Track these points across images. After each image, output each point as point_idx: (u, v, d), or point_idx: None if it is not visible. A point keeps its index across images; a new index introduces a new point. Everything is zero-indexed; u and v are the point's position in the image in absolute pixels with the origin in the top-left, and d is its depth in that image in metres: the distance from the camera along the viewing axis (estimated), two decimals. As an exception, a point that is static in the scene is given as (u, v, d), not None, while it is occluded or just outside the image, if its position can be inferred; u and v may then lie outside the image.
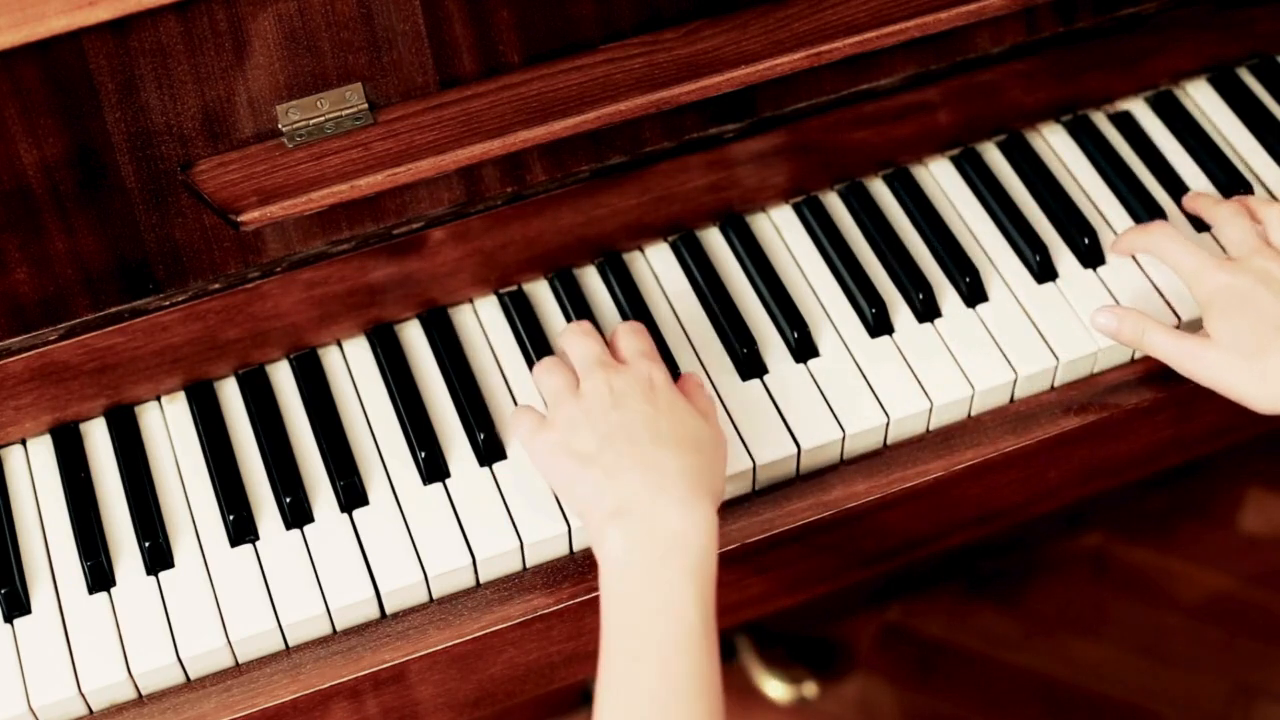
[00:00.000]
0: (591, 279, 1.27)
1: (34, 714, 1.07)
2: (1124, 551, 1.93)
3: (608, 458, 1.04)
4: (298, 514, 1.14)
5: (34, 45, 1.03)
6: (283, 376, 1.21)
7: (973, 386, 1.19)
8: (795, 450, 1.16)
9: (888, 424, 1.18)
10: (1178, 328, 1.21)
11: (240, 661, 1.11)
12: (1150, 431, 1.26)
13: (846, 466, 1.19)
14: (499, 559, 1.12)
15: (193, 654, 1.08)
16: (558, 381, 1.10)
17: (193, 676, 1.10)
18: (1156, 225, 1.22)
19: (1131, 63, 1.34)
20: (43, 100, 1.05)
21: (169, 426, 1.19)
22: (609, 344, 1.14)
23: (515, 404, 1.19)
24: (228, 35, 1.08)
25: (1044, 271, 1.25)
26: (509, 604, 1.13)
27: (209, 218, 1.13)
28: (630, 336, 1.13)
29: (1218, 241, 1.25)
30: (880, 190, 1.32)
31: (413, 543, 1.12)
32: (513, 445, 1.17)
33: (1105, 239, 1.28)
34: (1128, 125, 1.36)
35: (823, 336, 1.23)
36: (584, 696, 1.76)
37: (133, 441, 1.17)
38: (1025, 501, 1.26)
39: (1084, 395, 1.22)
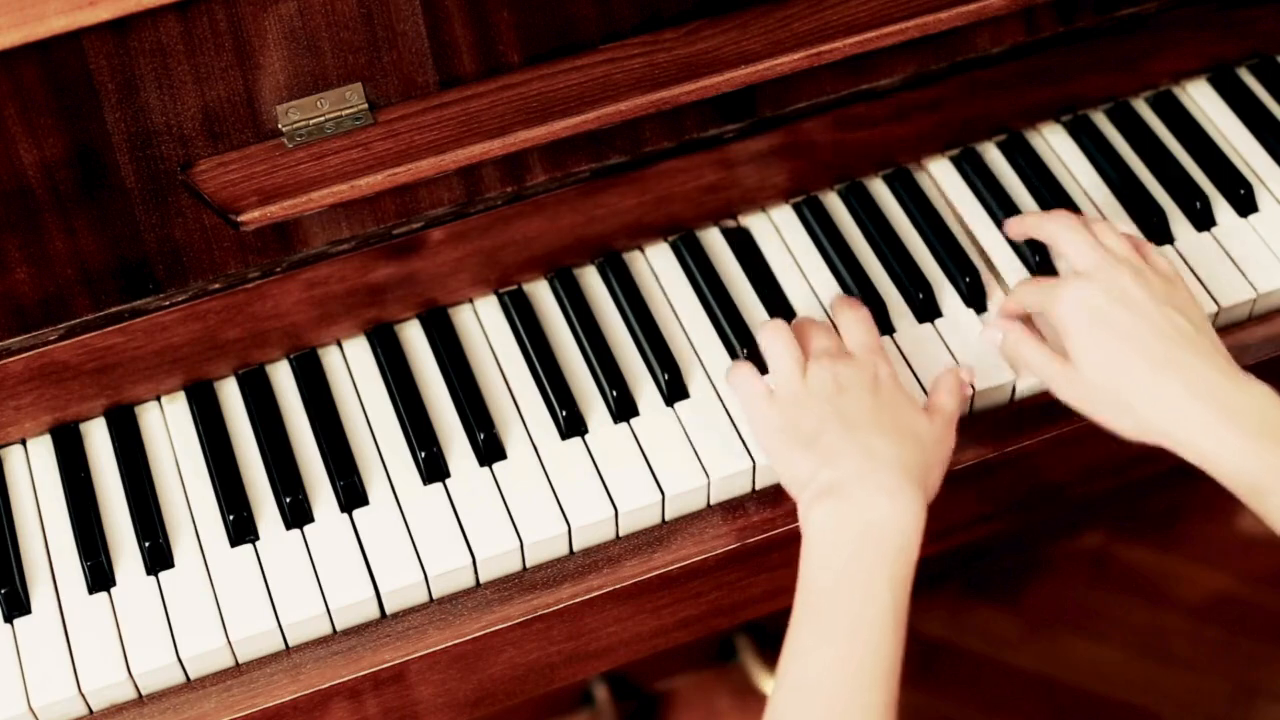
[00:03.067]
0: (591, 279, 1.27)
1: (34, 714, 1.07)
2: (1124, 551, 1.92)
3: (825, 440, 1.06)
4: (298, 514, 1.14)
5: (34, 45, 1.03)
6: (283, 376, 1.21)
7: (972, 386, 1.19)
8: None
9: (888, 424, 1.18)
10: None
11: (240, 661, 1.11)
12: (1150, 431, 1.26)
13: (846, 466, 1.19)
14: (499, 559, 1.12)
15: (193, 654, 1.08)
16: (787, 355, 1.12)
17: (193, 676, 1.10)
18: (1048, 216, 1.19)
19: (1131, 63, 1.34)
20: (43, 100, 1.05)
21: (169, 426, 1.19)
22: (833, 318, 1.17)
23: (515, 404, 1.19)
24: (228, 35, 1.08)
25: (1044, 271, 1.25)
26: (509, 604, 1.13)
27: (209, 218, 1.13)
28: (857, 328, 1.15)
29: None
30: (880, 190, 1.32)
31: (413, 543, 1.12)
32: (512, 445, 1.17)
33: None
34: (1128, 125, 1.36)
35: (823, 336, 1.22)
36: (584, 696, 1.76)
37: (133, 441, 1.18)
38: (1024, 502, 1.26)
39: (1084, 395, 1.22)
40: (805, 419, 1.08)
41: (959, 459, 1.18)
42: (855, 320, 1.16)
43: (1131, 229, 1.29)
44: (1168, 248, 1.27)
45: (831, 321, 1.21)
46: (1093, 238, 1.15)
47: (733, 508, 1.17)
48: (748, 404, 1.13)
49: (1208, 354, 1.08)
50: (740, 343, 1.21)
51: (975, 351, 1.21)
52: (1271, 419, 1.05)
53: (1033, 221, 1.21)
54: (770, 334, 1.14)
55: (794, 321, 1.17)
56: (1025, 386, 1.20)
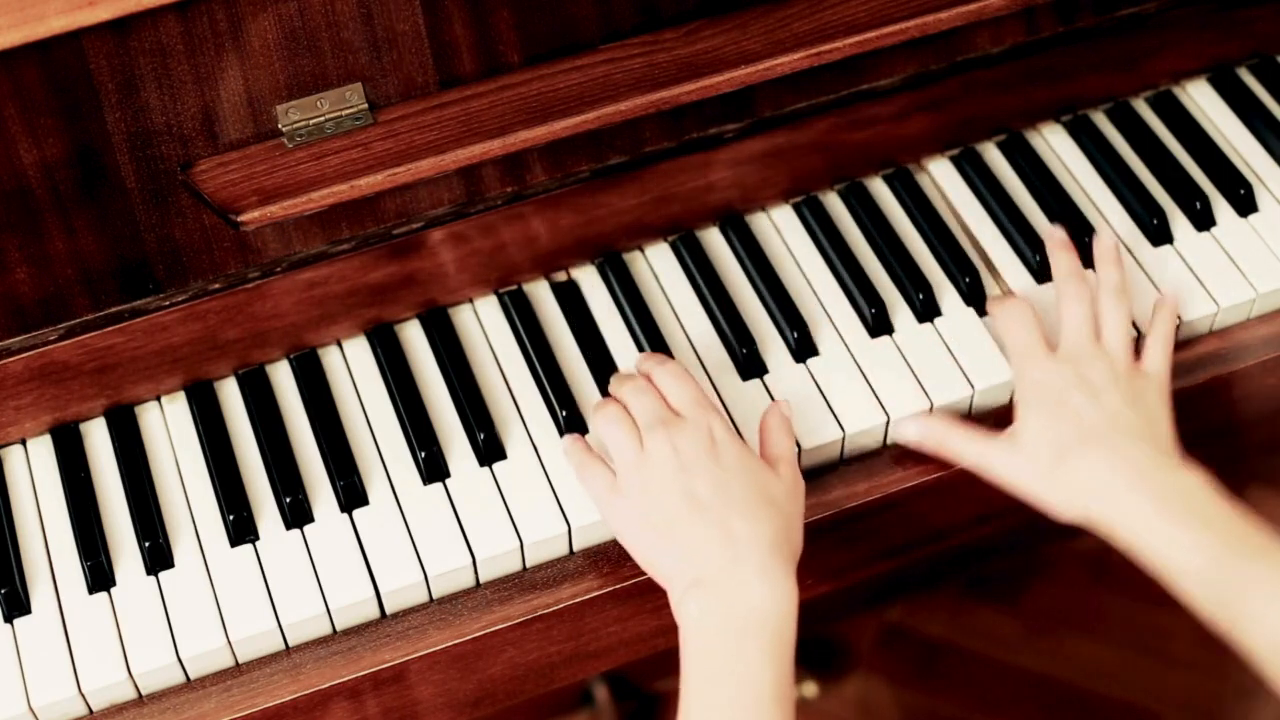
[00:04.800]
0: (591, 279, 1.27)
1: (34, 714, 1.07)
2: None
3: (682, 530, 1.04)
4: (298, 514, 1.14)
5: (34, 45, 1.03)
6: (283, 376, 1.21)
7: (973, 386, 1.19)
8: (795, 450, 1.16)
9: (888, 423, 1.18)
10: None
11: (240, 661, 1.11)
12: (1150, 431, 1.26)
13: (846, 466, 1.19)
14: (499, 559, 1.12)
15: (193, 654, 1.08)
16: (625, 441, 1.09)
17: (193, 676, 1.10)
18: (1008, 302, 1.19)
19: (1131, 63, 1.34)
20: (43, 100, 1.05)
21: (169, 426, 1.19)
22: (647, 376, 1.14)
23: (515, 403, 1.19)
24: (228, 35, 1.08)
25: (1044, 271, 1.25)
26: (509, 604, 1.13)
27: (209, 218, 1.13)
28: (677, 386, 1.12)
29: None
30: (880, 190, 1.32)
31: (413, 543, 1.12)
32: (512, 445, 1.17)
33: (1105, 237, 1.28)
34: (1128, 125, 1.35)
35: (822, 336, 1.23)
36: (584, 696, 1.76)
37: (133, 441, 1.17)
38: (1025, 501, 1.26)
39: (1084, 395, 1.22)
40: (656, 509, 1.06)
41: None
42: (674, 377, 1.13)
43: (1132, 229, 1.29)
44: (1167, 248, 1.27)
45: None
46: (1088, 317, 1.16)
47: (733, 508, 1.17)
48: (595, 497, 1.11)
49: (1153, 442, 1.09)
50: (739, 341, 1.21)
51: (975, 351, 1.21)
52: (1204, 509, 1.05)
53: (1062, 259, 1.21)
54: (601, 418, 1.11)
55: (612, 381, 1.15)
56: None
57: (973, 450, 1.14)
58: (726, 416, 1.12)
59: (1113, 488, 1.07)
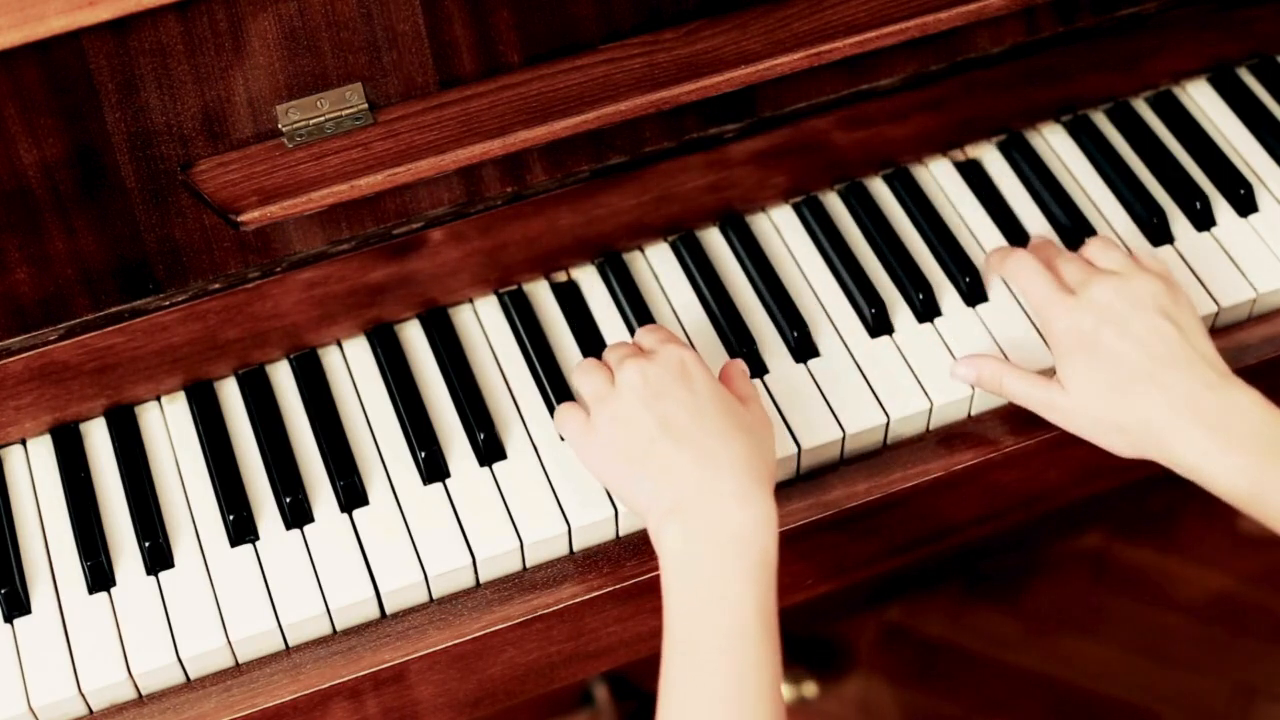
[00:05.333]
0: (591, 279, 1.27)
1: (34, 714, 1.07)
2: (1124, 551, 1.93)
3: (658, 454, 1.03)
4: (298, 514, 1.14)
5: (34, 45, 1.03)
6: (283, 376, 1.21)
7: (973, 386, 1.19)
8: (795, 450, 1.16)
9: (888, 424, 1.18)
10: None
11: (240, 661, 1.11)
12: (1150, 431, 1.26)
13: (846, 466, 1.19)
14: (499, 559, 1.13)
15: (193, 654, 1.08)
16: (595, 381, 1.10)
17: (193, 676, 1.10)
18: (1014, 253, 1.20)
19: (1131, 63, 1.34)
20: (43, 100, 1.05)
21: (169, 426, 1.19)
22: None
23: (515, 404, 1.19)
24: (228, 35, 1.08)
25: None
26: (509, 604, 1.13)
27: (209, 218, 1.13)
28: (650, 332, 1.14)
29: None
30: (880, 190, 1.32)
31: (413, 543, 1.12)
32: (512, 445, 1.17)
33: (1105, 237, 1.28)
34: (1128, 125, 1.36)
35: (823, 336, 1.23)
36: (584, 696, 1.76)
37: (133, 441, 1.18)
38: (1025, 501, 1.26)
39: (1084, 395, 1.22)
40: (630, 437, 1.05)
41: (959, 458, 1.18)
42: (644, 329, 1.14)
43: (1132, 229, 1.29)
44: (1167, 248, 1.27)
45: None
46: (1078, 258, 1.17)
47: (733, 508, 1.17)
48: (573, 442, 1.10)
49: (1193, 365, 1.08)
50: (738, 341, 1.21)
51: (975, 350, 1.21)
52: (1256, 427, 1.05)
53: (1008, 255, 1.21)
54: (577, 371, 1.12)
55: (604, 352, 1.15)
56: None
57: (1029, 392, 1.14)
58: (695, 351, 1.11)
59: (1165, 424, 1.07)
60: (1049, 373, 1.15)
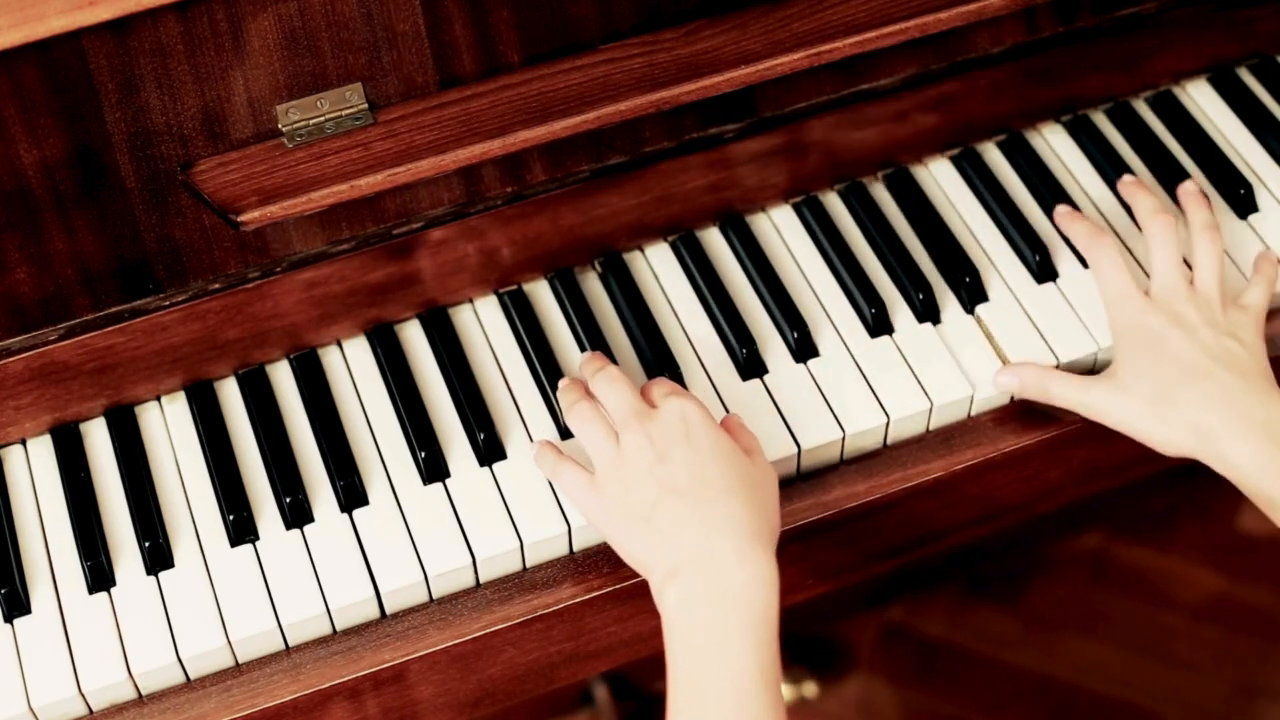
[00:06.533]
0: (591, 279, 1.27)
1: (34, 714, 1.07)
2: (1124, 551, 1.93)
3: (660, 517, 1.04)
4: (298, 514, 1.14)
5: (34, 45, 1.03)
6: (283, 376, 1.21)
7: (973, 386, 1.19)
8: (795, 450, 1.16)
9: (888, 424, 1.18)
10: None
11: (240, 661, 1.11)
12: (1150, 431, 1.26)
13: (846, 466, 1.19)
14: (499, 559, 1.13)
15: (193, 654, 1.08)
16: (600, 439, 1.09)
17: (193, 676, 1.10)
18: (1105, 237, 1.22)
19: (1131, 63, 1.34)
20: (43, 100, 1.05)
21: (169, 426, 1.19)
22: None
23: (515, 404, 1.19)
24: (228, 35, 1.08)
25: (1044, 271, 1.25)
26: (509, 604, 1.13)
27: (209, 218, 1.13)
28: (657, 385, 1.12)
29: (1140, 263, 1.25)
30: (880, 190, 1.32)
31: (413, 543, 1.12)
32: (512, 445, 1.17)
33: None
34: (1128, 125, 1.36)
35: (823, 336, 1.23)
36: (584, 696, 1.76)
37: (133, 441, 1.18)
38: (1025, 501, 1.26)
39: (1084, 395, 1.22)
40: (633, 500, 1.06)
41: (959, 458, 1.18)
42: (654, 383, 1.13)
43: (1131, 229, 1.29)
44: (1168, 248, 1.27)
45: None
46: (1178, 258, 1.18)
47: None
48: (574, 498, 1.10)
49: (1254, 378, 1.11)
50: (739, 342, 1.21)
51: (975, 351, 1.21)
52: None
53: (1143, 202, 1.23)
54: (577, 419, 1.11)
55: (589, 375, 1.14)
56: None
57: (1075, 394, 1.16)
58: (699, 401, 1.11)
59: (1215, 425, 1.09)
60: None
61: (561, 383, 1.16)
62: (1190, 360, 1.12)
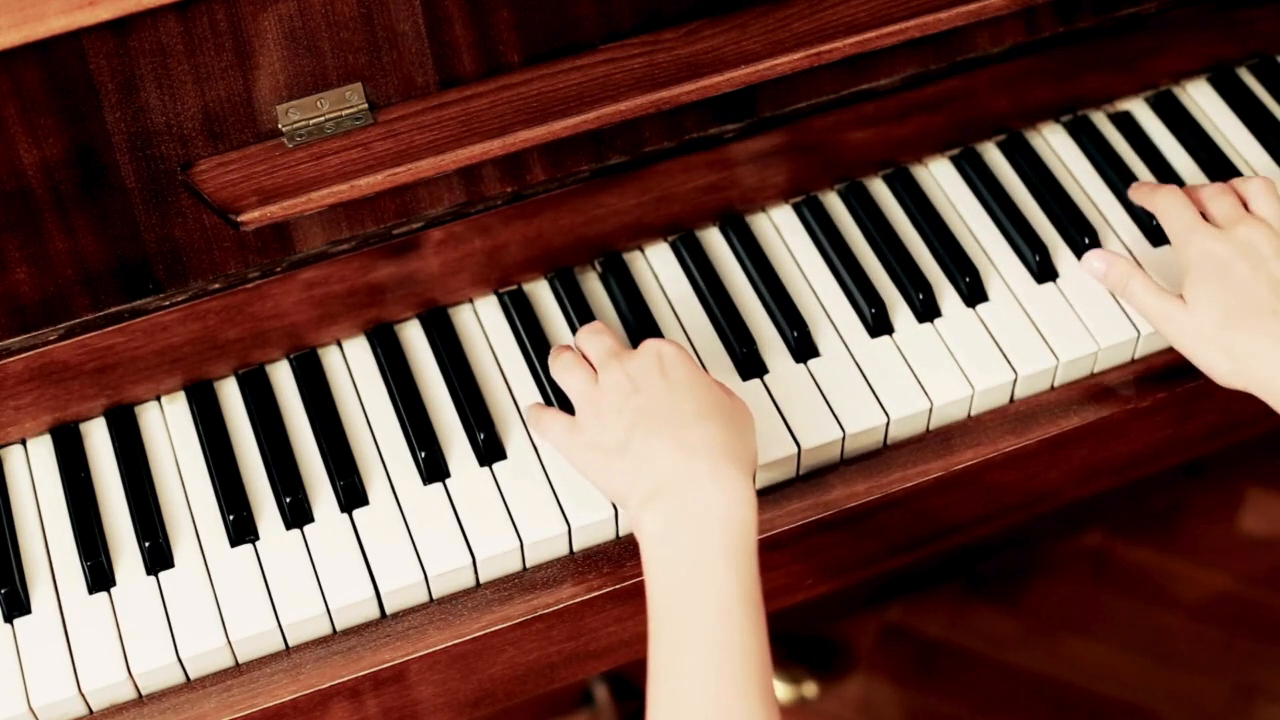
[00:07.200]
0: (591, 279, 1.27)
1: (34, 714, 1.07)
2: (1124, 551, 1.93)
3: (636, 444, 1.04)
4: (298, 514, 1.14)
5: (34, 45, 1.03)
6: (283, 376, 1.21)
7: (972, 386, 1.19)
8: (795, 450, 1.16)
9: (888, 424, 1.18)
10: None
11: (240, 661, 1.11)
12: (1150, 431, 1.26)
13: (847, 466, 1.19)
14: (499, 559, 1.13)
15: (193, 654, 1.08)
16: (579, 380, 1.11)
17: (193, 676, 1.10)
18: (1165, 188, 1.22)
19: (1131, 63, 1.34)
20: (43, 100, 1.05)
21: (169, 426, 1.19)
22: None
23: (515, 404, 1.19)
24: (228, 35, 1.08)
25: (1044, 271, 1.25)
26: (509, 604, 1.13)
27: (209, 218, 1.13)
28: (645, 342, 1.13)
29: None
30: (880, 190, 1.32)
31: (413, 543, 1.12)
32: (512, 445, 1.17)
33: (1105, 239, 1.28)
34: (1128, 125, 1.36)
35: (823, 336, 1.23)
36: (584, 696, 1.76)
37: (133, 441, 1.18)
38: (1025, 501, 1.26)
39: (1084, 395, 1.22)
40: (609, 430, 1.07)
41: (959, 458, 1.18)
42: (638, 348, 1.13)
43: (1131, 229, 1.29)
44: (1167, 248, 1.27)
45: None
46: (1234, 197, 1.19)
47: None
48: (554, 440, 1.11)
49: None
50: (738, 341, 1.21)
51: (975, 351, 1.21)
52: None
53: (1181, 191, 1.23)
54: (558, 367, 1.13)
55: (577, 338, 1.15)
56: (1021, 391, 1.21)
57: (1150, 300, 1.17)
58: (678, 344, 1.11)
59: (1274, 360, 1.10)
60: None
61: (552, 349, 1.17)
62: (1257, 295, 1.12)
